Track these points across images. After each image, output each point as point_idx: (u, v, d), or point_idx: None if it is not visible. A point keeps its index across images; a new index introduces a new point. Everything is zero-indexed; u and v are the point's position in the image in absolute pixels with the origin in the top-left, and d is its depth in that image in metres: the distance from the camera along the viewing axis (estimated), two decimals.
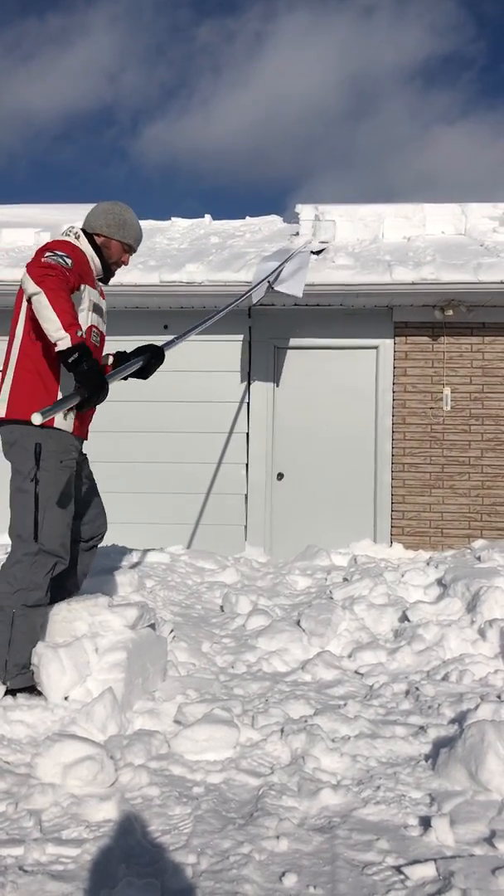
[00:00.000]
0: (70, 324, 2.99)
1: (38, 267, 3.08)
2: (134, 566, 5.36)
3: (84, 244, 3.46)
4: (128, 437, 7.46)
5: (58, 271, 3.08)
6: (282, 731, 2.85)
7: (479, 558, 5.91)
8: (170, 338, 3.93)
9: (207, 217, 9.65)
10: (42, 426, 3.04)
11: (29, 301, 3.09)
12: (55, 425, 3.24)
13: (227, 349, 7.61)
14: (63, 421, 3.28)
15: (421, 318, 7.49)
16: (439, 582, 5.21)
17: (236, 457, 7.62)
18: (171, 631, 3.98)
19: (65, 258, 3.17)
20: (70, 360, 2.97)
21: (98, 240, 3.51)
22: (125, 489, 7.14)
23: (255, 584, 5.71)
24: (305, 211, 8.59)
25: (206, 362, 7.49)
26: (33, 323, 3.15)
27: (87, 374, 2.97)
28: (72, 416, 3.30)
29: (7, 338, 3.33)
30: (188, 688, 3.30)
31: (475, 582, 4.68)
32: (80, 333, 3.03)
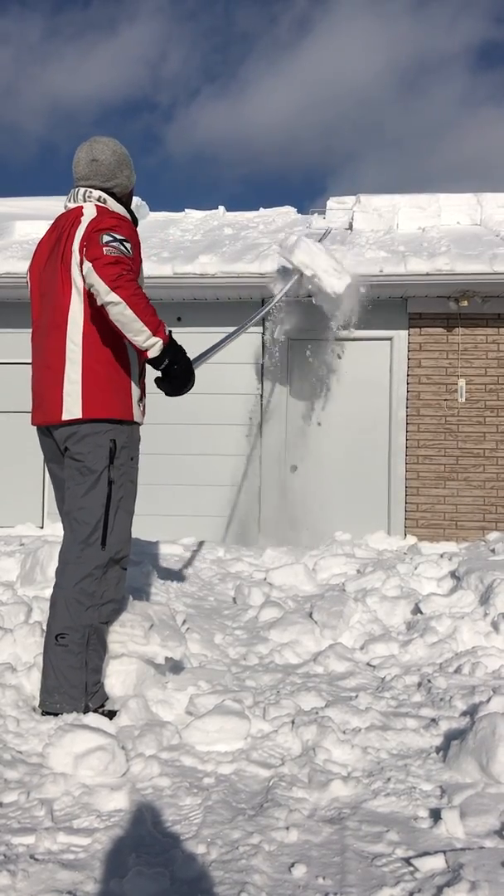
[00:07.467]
0: (157, 326, 2.79)
1: (107, 265, 2.72)
2: (146, 558, 5.37)
3: (116, 206, 3.07)
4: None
5: (126, 267, 2.75)
6: (293, 722, 2.85)
7: (493, 551, 5.89)
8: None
9: (221, 208, 9.64)
10: (119, 420, 2.94)
11: (102, 305, 2.77)
12: (133, 418, 3.03)
13: (242, 341, 7.59)
14: (139, 411, 3.06)
15: (436, 309, 7.45)
16: (453, 574, 5.19)
17: (250, 449, 7.62)
18: (184, 622, 3.99)
19: (124, 243, 2.83)
20: (163, 367, 2.87)
21: (124, 197, 3.16)
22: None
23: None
24: (324, 207, 8.53)
25: (220, 354, 7.47)
26: (95, 313, 2.86)
27: (181, 378, 2.94)
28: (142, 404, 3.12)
29: (29, 330, 3.11)
30: (200, 679, 3.31)
31: (489, 574, 4.67)
32: (167, 330, 2.84)
